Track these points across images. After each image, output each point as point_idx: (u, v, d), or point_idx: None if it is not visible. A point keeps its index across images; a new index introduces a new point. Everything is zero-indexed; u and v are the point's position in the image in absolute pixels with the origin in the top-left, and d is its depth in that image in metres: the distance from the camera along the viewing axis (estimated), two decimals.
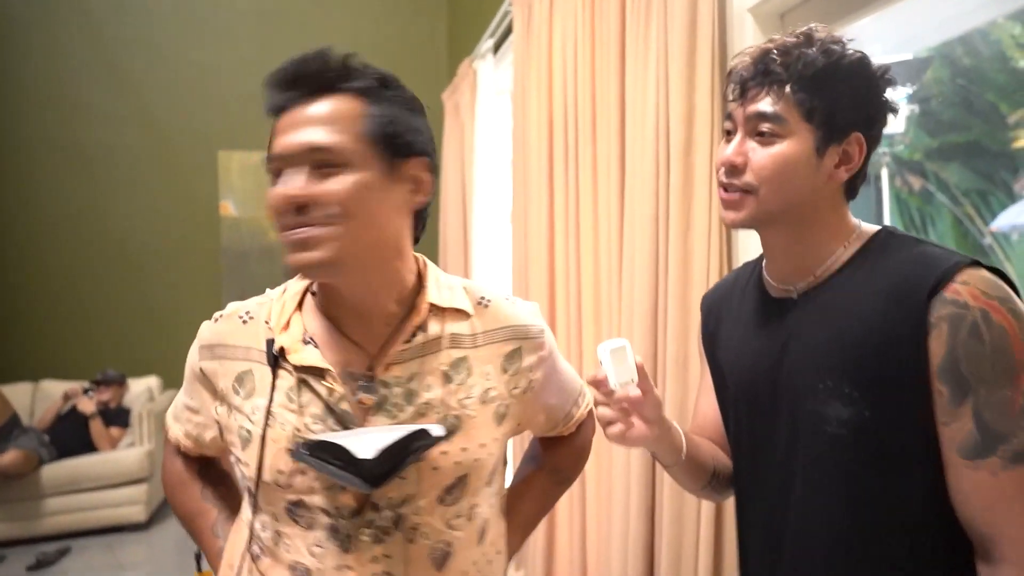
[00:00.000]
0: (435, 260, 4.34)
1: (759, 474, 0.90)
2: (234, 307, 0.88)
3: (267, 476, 0.79)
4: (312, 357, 0.79)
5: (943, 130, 5.96)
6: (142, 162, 4.31)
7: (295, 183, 0.75)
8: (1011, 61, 5.47)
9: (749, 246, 1.47)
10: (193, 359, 0.88)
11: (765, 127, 0.81)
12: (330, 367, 0.79)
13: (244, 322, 0.85)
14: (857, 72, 0.81)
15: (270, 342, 0.80)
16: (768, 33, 1.49)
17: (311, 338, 0.81)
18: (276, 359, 0.79)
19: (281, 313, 0.83)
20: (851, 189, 0.87)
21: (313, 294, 0.86)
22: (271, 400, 0.79)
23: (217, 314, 0.88)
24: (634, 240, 1.69)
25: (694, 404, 1.12)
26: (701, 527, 1.48)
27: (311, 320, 0.84)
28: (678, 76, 1.51)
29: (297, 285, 0.87)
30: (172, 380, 4.20)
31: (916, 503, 0.76)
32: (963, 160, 6.06)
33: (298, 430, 0.78)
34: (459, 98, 3.84)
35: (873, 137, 0.83)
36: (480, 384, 0.85)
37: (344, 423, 0.78)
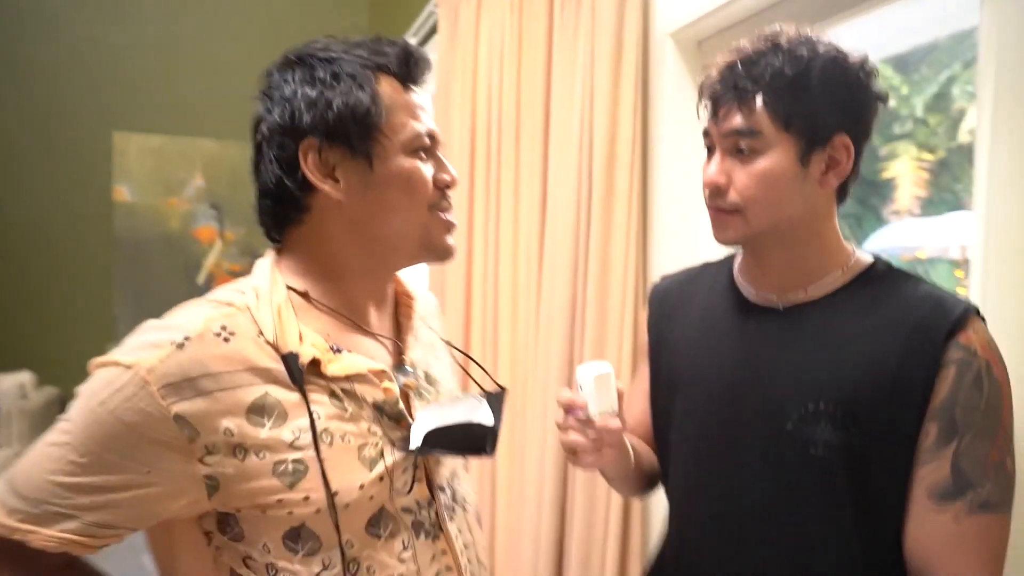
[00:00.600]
0: None
1: (714, 478, 0.87)
2: (188, 326, 0.67)
3: (346, 498, 0.69)
4: (358, 363, 0.72)
5: None
6: (22, 141, 3.96)
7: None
8: None
9: (662, 260, 1.56)
10: (148, 406, 0.63)
11: (743, 144, 0.79)
12: (384, 367, 0.75)
13: (226, 340, 0.67)
14: (831, 73, 0.77)
15: (289, 357, 0.68)
16: (687, 58, 1.59)
17: (335, 344, 0.74)
18: (300, 375, 0.68)
19: (280, 322, 0.70)
20: (842, 192, 0.84)
21: (301, 294, 0.75)
22: (311, 415, 0.68)
23: (166, 340, 0.65)
24: (555, 248, 1.75)
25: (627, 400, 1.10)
26: (610, 523, 1.55)
27: (311, 322, 0.73)
28: (603, 93, 1.58)
29: (262, 284, 0.73)
30: (49, 376, 3.88)
31: (887, 534, 0.77)
32: None
33: (362, 439, 0.72)
34: None
35: (862, 133, 0.80)
36: (445, 357, 0.92)
37: (396, 419, 0.75)
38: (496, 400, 0.80)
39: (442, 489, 0.79)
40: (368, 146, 0.73)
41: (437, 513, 0.78)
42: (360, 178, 0.74)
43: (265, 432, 0.67)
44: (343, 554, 0.69)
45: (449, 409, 0.77)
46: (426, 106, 0.77)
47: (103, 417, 0.64)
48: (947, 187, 5.66)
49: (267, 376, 0.68)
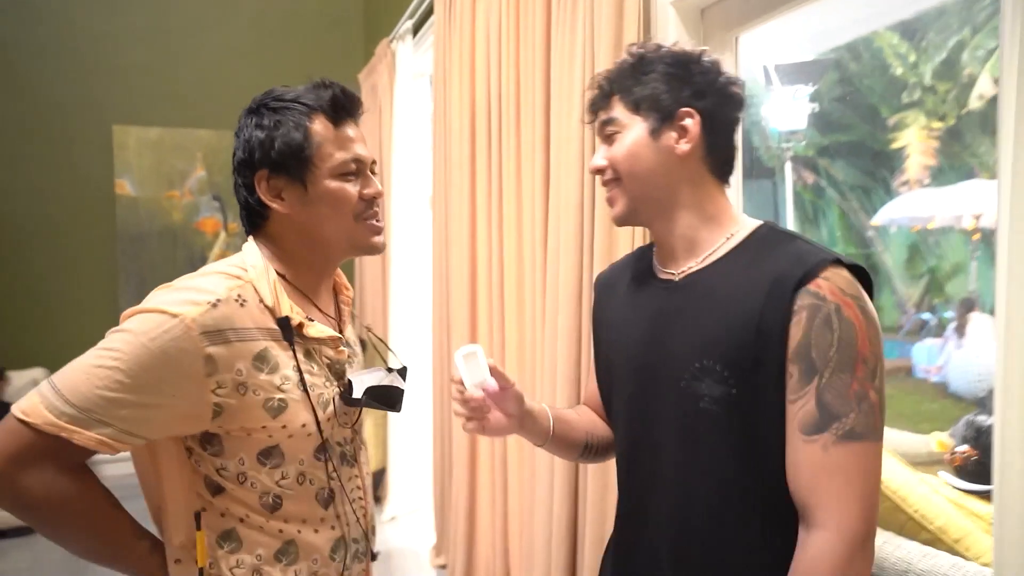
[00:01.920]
0: None
1: (640, 441, 0.98)
2: (218, 290, 0.89)
3: (309, 429, 0.94)
4: (326, 330, 0.98)
5: (833, 129, 6.39)
6: (25, 136, 3.94)
7: None
8: (890, 68, 5.94)
9: None
10: (189, 346, 0.85)
11: (608, 130, 0.96)
12: (340, 335, 1.01)
13: (241, 305, 0.90)
14: (666, 59, 0.93)
15: (284, 320, 0.92)
16: (689, 27, 1.55)
17: (307, 315, 0.97)
18: (291, 334, 0.93)
19: (275, 294, 0.93)
20: (719, 170, 0.96)
21: (280, 275, 0.97)
22: (301, 371, 0.93)
23: (204, 299, 0.87)
24: (559, 228, 1.72)
25: (585, 377, 1.20)
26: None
27: (292, 298, 0.96)
28: (604, 64, 1.53)
29: (258, 264, 0.94)
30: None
31: (772, 475, 0.84)
32: (849, 158, 6.54)
33: (321, 388, 0.96)
34: (376, 79, 3.75)
35: (711, 112, 0.93)
36: (358, 342, 1.17)
37: (339, 377, 1.01)
38: (402, 373, 1.09)
39: (356, 431, 1.07)
40: (303, 174, 0.95)
41: (355, 448, 1.06)
42: (298, 198, 0.97)
43: (263, 376, 0.91)
44: (297, 468, 0.95)
45: (368, 375, 1.04)
46: (355, 136, 0.99)
47: (153, 349, 0.84)
48: (958, 156, 5.57)
49: (268, 334, 0.92)
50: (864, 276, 0.86)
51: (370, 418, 3.53)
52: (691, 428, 0.90)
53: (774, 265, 0.86)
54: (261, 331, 0.91)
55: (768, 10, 1.46)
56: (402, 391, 1.06)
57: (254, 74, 4.13)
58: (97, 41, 4.06)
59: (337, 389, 0.99)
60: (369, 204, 0.99)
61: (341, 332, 1.06)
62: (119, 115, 4.14)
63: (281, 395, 0.92)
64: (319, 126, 0.96)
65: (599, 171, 0.98)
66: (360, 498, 1.05)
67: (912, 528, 1.22)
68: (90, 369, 0.84)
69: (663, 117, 0.92)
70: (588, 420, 1.14)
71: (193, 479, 0.94)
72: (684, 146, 0.92)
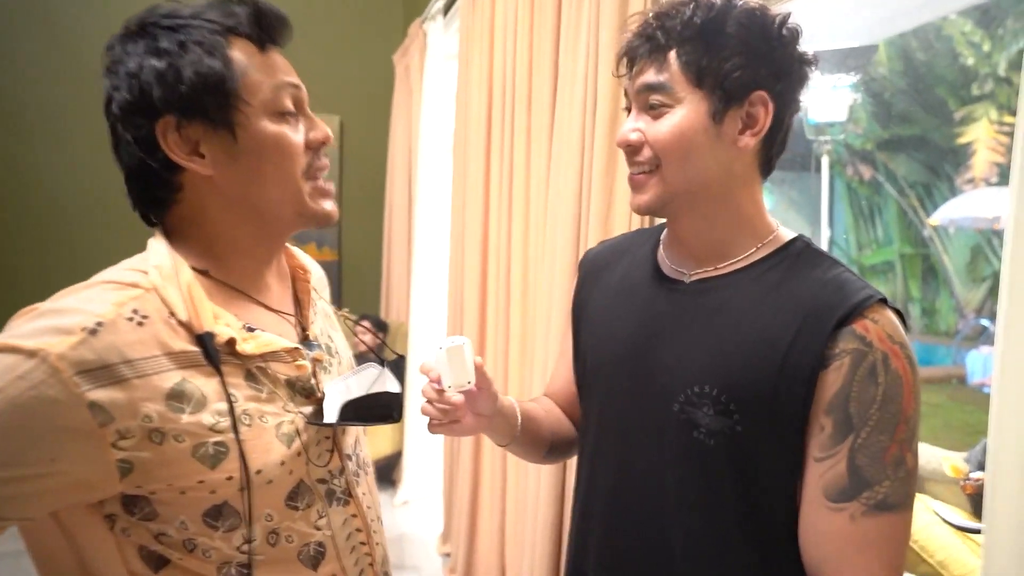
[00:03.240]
0: (380, 227, 4.25)
1: (611, 459, 0.86)
2: (97, 309, 0.63)
3: (269, 475, 0.69)
4: (273, 341, 0.71)
5: (895, 122, 6.05)
6: (76, 118, 4.04)
7: None
8: (960, 58, 5.57)
9: None
10: (60, 394, 0.59)
11: (654, 99, 0.76)
12: (297, 345, 0.74)
13: (139, 324, 0.64)
14: (746, 24, 0.73)
15: (205, 337, 0.66)
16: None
17: (246, 323, 0.72)
18: (216, 356, 0.67)
19: (191, 302, 0.67)
20: (766, 162, 0.80)
21: (201, 272, 0.72)
22: (230, 401, 0.67)
23: (75, 324, 0.61)
24: (557, 216, 1.65)
25: (554, 367, 1.07)
26: None
27: (221, 301, 0.71)
28: (607, 48, 1.45)
29: (163, 264, 0.69)
30: None
31: (777, 527, 0.73)
32: (911, 152, 6.19)
33: (280, 416, 0.71)
34: (409, 61, 3.72)
35: (783, 95, 0.76)
36: (339, 328, 0.90)
37: (307, 394, 0.75)
38: (396, 368, 0.83)
39: (349, 457, 0.80)
40: (228, 115, 0.68)
41: (347, 480, 0.79)
42: (225, 150, 0.69)
43: (186, 417, 0.65)
44: (255, 528, 0.69)
45: (353, 380, 0.79)
46: (285, 66, 0.73)
47: (4, 406, 0.58)
48: None
49: (183, 360, 0.66)
50: (903, 320, 0.74)
51: None
52: (679, 459, 0.77)
53: (811, 293, 0.73)
54: (173, 357, 0.65)
55: None
56: (396, 395, 0.80)
57: (295, 53, 4.14)
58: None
59: (302, 412, 0.73)
60: (316, 154, 0.74)
61: (305, 331, 0.80)
62: None
63: (217, 437, 0.66)
64: (239, 51, 0.69)
65: (630, 146, 0.78)
66: (363, 543, 0.79)
67: (911, 560, 1.12)
68: None
69: (730, 98, 0.73)
70: (555, 418, 1.01)
71: (123, 554, 0.68)
72: (748, 139, 0.75)
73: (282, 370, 0.73)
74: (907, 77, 5.79)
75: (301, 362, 0.74)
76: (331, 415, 0.73)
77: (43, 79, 3.83)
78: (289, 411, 0.72)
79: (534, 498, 1.72)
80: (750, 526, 0.74)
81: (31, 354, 0.59)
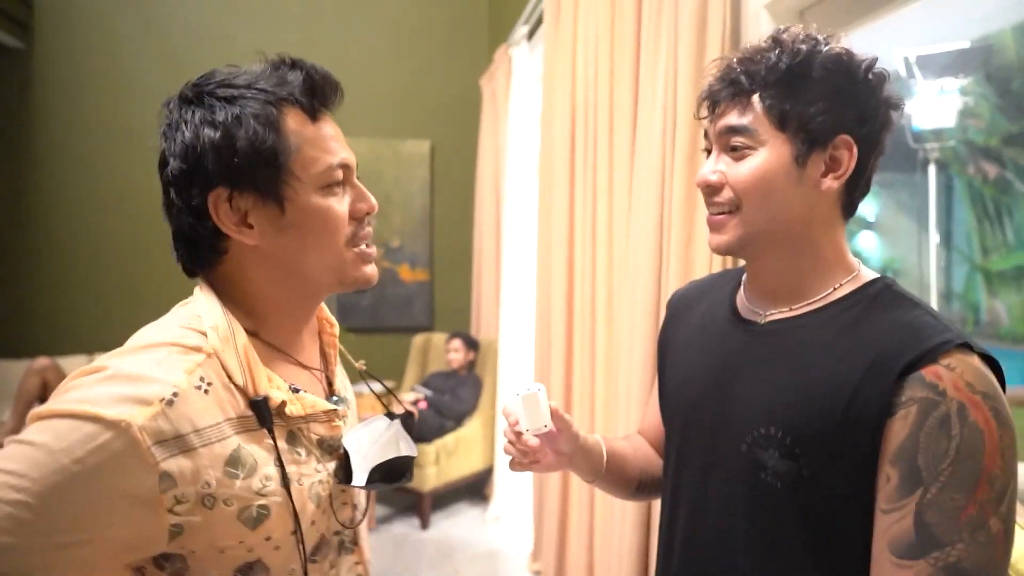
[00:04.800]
0: (469, 248, 4.36)
1: (686, 496, 0.87)
2: (173, 379, 0.64)
3: (306, 537, 0.72)
4: (317, 403, 0.73)
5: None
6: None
7: None
8: None
9: None
10: (136, 464, 0.60)
11: (736, 141, 0.76)
12: (336, 407, 0.76)
13: (206, 392, 0.66)
14: (832, 69, 0.73)
15: (262, 403, 0.68)
16: None
17: (291, 384, 0.74)
18: (271, 421, 0.69)
19: (247, 365, 0.69)
20: (848, 204, 0.79)
21: (250, 333, 0.73)
22: (282, 464, 0.69)
23: (154, 395, 0.62)
24: (639, 242, 1.66)
25: (646, 404, 1.10)
26: None
27: (269, 363, 0.73)
28: (686, 77, 1.45)
29: (220, 326, 0.70)
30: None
31: (847, 571, 0.71)
32: None
33: (312, 477, 0.74)
34: (496, 85, 3.82)
35: (867, 139, 0.75)
36: (343, 372, 0.92)
37: (332, 452, 0.77)
38: (407, 423, 0.87)
39: (355, 506, 0.83)
40: (278, 189, 0.69)
41: (355, 530, 0.82)
42: (272, 222, 0.70)
43: (239, 483, 0.67)
44: None
45: (364, 433, 0.81)
46: (336, 135, 0.74)
47: (77, 474, 0.58)
48: None
49: (238, 425, 0.67)
50: (996, 367, 0.68)
51: (480, 415, 3.61)
52: (748, 499, 0.76)
53: (882, 334, 0.70)
54: (231, 423, 0.67)
55: (876, 7, 1.32)
56: (411, 459, 0.82)
57: (389, 81, 4.34)
58: (250, 56, 4.45)
59: (328, 469, 0.75)
60: (361, 224, 0.75)
61: (331, 385, 0.83)
62: None
63: (261, 501, 0.68)
64: (293, 122, 0.70)
65: (710, 187, 0.78)
66: None
67: None
68: None
69: (814, 142, 0.73)
70: (643, 456, 1.02)
71: None
72: (831, 182, 0.74)
73: (317, 430, 0.75)
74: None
75: (337, 423, 0.76)
76: (360, 476, 0.75)
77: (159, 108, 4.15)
78: (319, 470, 0.74)
79: (620, 523, 1.73)
80: (817, 567, 0.72)
81: (112, 425, 0.59)
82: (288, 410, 0.71)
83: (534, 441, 0.87)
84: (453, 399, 3.59)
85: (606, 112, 1.97)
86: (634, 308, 1.67)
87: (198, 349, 0.67)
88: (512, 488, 3.44)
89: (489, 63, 4.06)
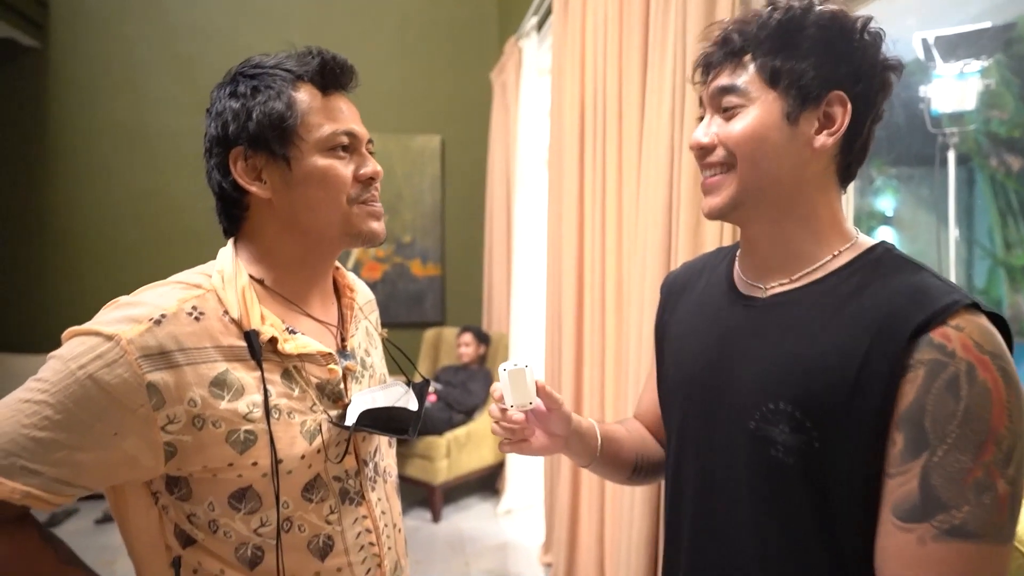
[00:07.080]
0: (480, 242, 4.36)
1: (690, 478, 0.85)
2: (164, 304, 0.74)
3: (289, 466, 0.78)
4: (310, 344, 0.82)
5: None
6: (196, 145, 4.42)
7: None
8: None
9: None
10: (126, 372, 0.69)
11: (728, 101, 0.75)
12: (331, 351, 0.84)
13: (196, 319, 0.75)
14: (826, 26, 0.73)
15: (251, 334, 0.76)
16: None
17: (290, 326, 0.82)
18: (259, 351, 0.77)
19: (243, 304, 0.78)
20: (844, 168, 0.77)
21: (257, 281, 0.83)
22: (266, 392, 0.77)
23: (144, 315, 0.72)
24: (647, 227, 1.64)
25: (642, 388, 1.08)
26: None
27: (267, 307, 0.82)
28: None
29: (225, 269, 0.80)
30: None
31: (851, 547, 0.70)
32: None
33: (305, 415, 0.80)
34: (505, 78, 3.80)
35: (863, 97, 0.73)
36: (380, 347, 1.01)
37: (335, 398, 0.84)
38: (420, 389, 0.93)
39: (366, 462, 0.88)
40: (286, 149, 0.81)
41: (361, 483, 0.87)
42: (282, 178, 0.81)
43: (224, 404, 0.75)
44: (279, 513, 0.78)
45: (380, 393, 0.88)
46: (346, 110, 0.85)
47: (82, 379, 0.69)
48: None
49: (229, 353, 0.76)
50: (1004, 327, 0.67)
51: None
52: (756, 476, 0.75)
53: (888, 299, 0.69)
54: (221, 350, 0.75)
55: None
56: (413, 412, 0.88)
57: (399, 77, 4.35)
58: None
59: (327, 415, 0.82)
60: (366, 185, 0.84)
61: (344, 343, 0.89)
62: None
63: (248, 426, 0.75)
64: (304, 94, 0.81)
65: (702, 149, 0.78)
66: (372, 543, 0.87)
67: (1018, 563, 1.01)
68: (17, 406, 0.70)
69: (806, 98, 0.73)
70: (638, 438, 1.01)
71: (163, 528, 0.79)
72: (825, 139, 0.73)
73: (315, 372, 0.82)
74: None
75: (333, 366, 0.83)
76: (351, 419, 0.82)
77: (176, 112, 4.20)
78: (316, 411, 0.81)
79: (628, 511, 1.71)
80: (827, 541, 0.71)
81: (108, 338, 0.71)
82: (281, 347, 0.79)
83: (519, 416, 0.87)
84: (463, 392, 3.59)
85: (615, 102, 1.96)
86: (643, 299, 1.66)
87: (198, 286, 0.78)
88: (523, 482, 3.44)
89: (499, 57, 4.05)
